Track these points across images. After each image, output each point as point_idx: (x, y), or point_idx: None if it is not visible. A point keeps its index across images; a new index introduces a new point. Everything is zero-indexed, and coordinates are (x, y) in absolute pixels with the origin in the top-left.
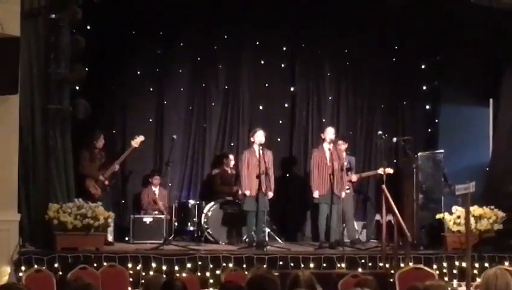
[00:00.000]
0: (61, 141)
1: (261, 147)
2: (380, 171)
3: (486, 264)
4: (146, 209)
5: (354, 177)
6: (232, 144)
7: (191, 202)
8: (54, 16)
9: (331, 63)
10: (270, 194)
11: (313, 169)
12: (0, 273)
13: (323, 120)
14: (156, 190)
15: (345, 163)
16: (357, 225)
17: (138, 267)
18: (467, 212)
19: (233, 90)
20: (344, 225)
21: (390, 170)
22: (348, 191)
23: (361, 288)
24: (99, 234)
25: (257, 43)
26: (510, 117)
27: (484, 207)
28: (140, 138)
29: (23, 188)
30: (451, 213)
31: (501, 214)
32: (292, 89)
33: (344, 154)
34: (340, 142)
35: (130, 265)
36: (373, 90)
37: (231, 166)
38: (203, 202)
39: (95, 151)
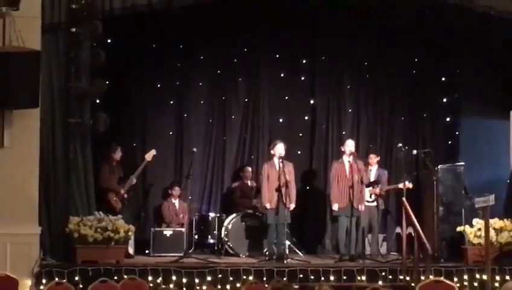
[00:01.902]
0: (82, 155)
1: (281, 160)
2: (401, 185)
3: (507, 277)
4: (168, 222)
5: (378, 190)
6: (252, 157)
7: (211, 214)
8: (74, 29)
9: (351, 75)
10: (292, 206)
11: (332, 182)
12: (22, 286)
13: (343, 133)
14: (176, 202)
15: (372, 176)
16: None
17: (158, 280)
18: (487, 225)
19: (253, 103)
20: (368, 237)
21: (410, 185)
22: (373, 203)
23: None
24: (120, 247)
25: (277, 56)
26: None
27: (505, 220)
28: (153, 152)
29: (44, 202)
30: (472, 226)
31: None
32: (312, 101)
33: (376, 167)
34: (372, 155)
35: (150, 278)
36: (393, 102)
37: (251, 179)
38: (224, 215)
39: (113, 164)
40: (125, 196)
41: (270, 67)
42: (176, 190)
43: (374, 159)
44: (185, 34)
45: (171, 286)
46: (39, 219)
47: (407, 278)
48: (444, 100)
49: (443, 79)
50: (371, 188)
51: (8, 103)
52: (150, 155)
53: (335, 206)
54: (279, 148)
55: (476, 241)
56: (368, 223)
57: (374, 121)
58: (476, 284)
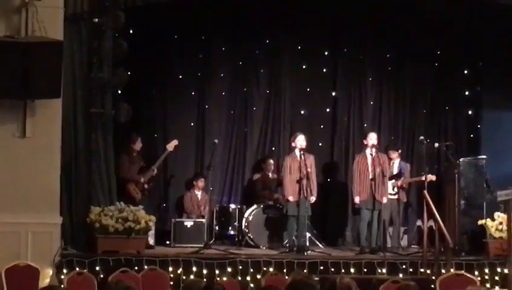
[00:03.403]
0: (103, 145)
1: (302, 152)
2: (423, 178)
3: None
4: (189, 213)
5: (400, 182)
6: (273, 149)
7: (232, 206)
8: (96, 20)
9: (373, 68)
10: (313, 199)
11: (355, 174)
12: (43, 275)
13: (365, 125)
14: (198, 193)
15: (395, 169)
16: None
17: (179, 271)
18: (509, 219)
19: (275, 95)
20: (390, 229)
21: (433, 177)
22: (395, 196)
23: None
24: (141, 238)
25: (299, 47)
26: None
27: None
28: (174, 142)
29: (66, 191)
30: (493, 219)
31: None
32: (333, 94)
33: (398, 160)
34: (390, 151)
35: (170, 269)
36: (415, 95)
37: (271, 170)
38: (244, 207)
39: (133, 155)
40: (146, 186)
41: (292, 59)
42: (202, 181)
43: (392, 154)
44: (206, 25)
45: (192, 277)
46: (60, 209)
47: (428, 271)
48: (466, 93)
49: (465, 72)
50: (393, 181)
51: (31, 92)
52: (171, 145)
53: (357, 199)
54: (301, 140)
55: (497, 234)
56: (389, 216)
57: (395, 113)
58: (497, 278)
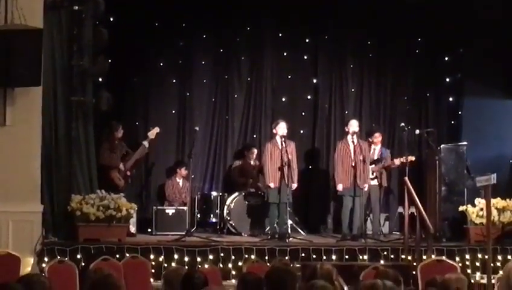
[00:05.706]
0: (84, 133)
1: (283, 139)
2: (403, 160)
3: (510, 257)
4: (171, 201)
5: (381, 165)
6: (255, 136)
7: (214, 193)
8: (76, 7)
9: (354, 55)
10: (294, 185)
11: (337, 162)
12: (24, 264)
13: (346, 112)
14: (180, 181)
15: (376, 155)
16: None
17: (160, 259)
18: (488, 204)
19: (256, 82)
20: (370, 216)
21: (412, 157)
22: (375, 182)
23: (382, 280)
24: (122, 226)
25: (280, 35)
26: None
27: (507, 199)
28: (156, 130)
29: (46, 180)
30: (474, 205)
31: None
32: (315, 81)
33: (379, 146)
34: (376, 134)
35: (152, 256)
36: (396, 82)
37: (254, 158)
38: (226, 194)
39: (115, 142)
40: (128, 173)
41: (273, 46)
42: (184, 169)
43: (378, 138)
44: (187, 12)
45: (173, 264)
46: (41, 197)
47: (409, 258)
48: (447, 80)
49: (446, 58)
50: (373, 165)
51: (10, 81)
52: (153, 133)
53: (339, 186)
54: (282, 128)
55: (478, 221)
56: (370, 202)
57: (376, 100)
58: (477, 263)
